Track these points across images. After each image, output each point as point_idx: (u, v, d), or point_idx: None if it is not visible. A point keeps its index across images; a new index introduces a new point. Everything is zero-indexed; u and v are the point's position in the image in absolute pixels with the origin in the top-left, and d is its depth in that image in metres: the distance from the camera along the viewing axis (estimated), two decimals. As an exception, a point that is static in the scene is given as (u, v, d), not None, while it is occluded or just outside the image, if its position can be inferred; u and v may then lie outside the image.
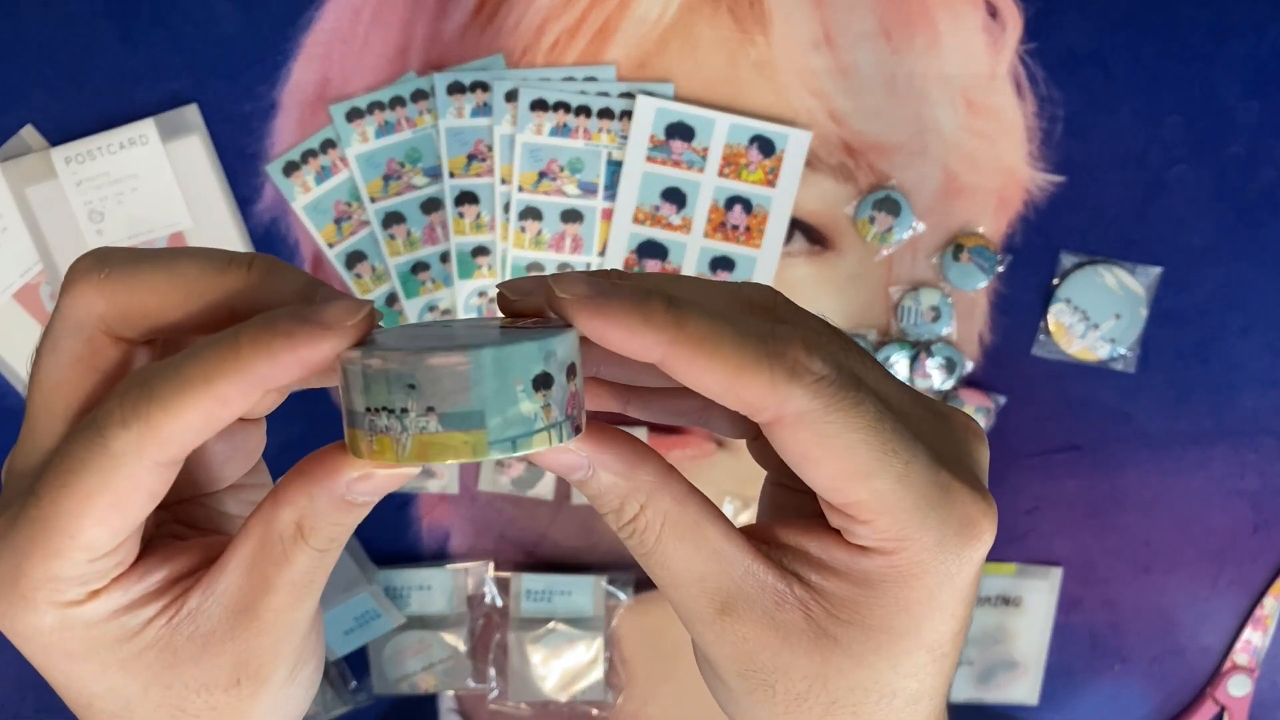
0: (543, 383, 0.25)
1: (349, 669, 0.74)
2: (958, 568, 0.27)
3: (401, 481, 0.26)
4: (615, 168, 0.71)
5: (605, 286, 0.25)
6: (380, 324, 0.27)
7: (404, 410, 0.24)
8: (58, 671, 0.27)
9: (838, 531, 0.28)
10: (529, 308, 0.27)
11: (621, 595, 0.74)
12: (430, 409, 0.24)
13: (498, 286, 0.28)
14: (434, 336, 0.26)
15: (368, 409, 0.25)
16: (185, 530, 0.30)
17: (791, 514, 0.31)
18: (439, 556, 0.75)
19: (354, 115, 0.71)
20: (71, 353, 0.27)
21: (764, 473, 0.33)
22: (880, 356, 0.72)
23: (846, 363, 0.26)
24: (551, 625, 0.73)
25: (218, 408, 0.24)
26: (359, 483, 0.26)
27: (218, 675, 0.27)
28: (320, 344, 0.24)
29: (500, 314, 0.29)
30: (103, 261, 0.27)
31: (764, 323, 0.26)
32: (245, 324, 0.24)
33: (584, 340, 0.26)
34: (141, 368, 0.25)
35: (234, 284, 0.26)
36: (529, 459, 0.26)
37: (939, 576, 0.27)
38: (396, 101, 0.71)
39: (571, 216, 0.72)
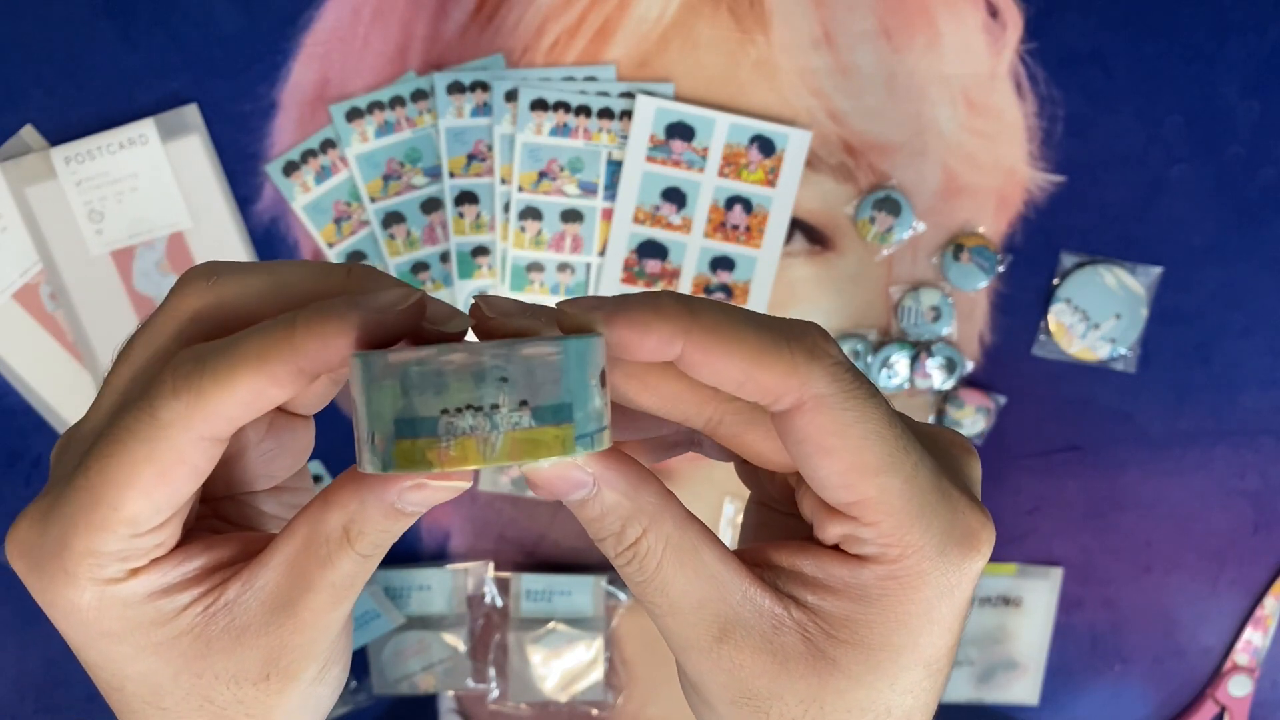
0: (604, 379, 0.25)
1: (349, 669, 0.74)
2: (957, 579, 0.27)
3: (455, 493, 0.26)
4: (615, 167, 0.71)
5: (613, 297, 0.26)
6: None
7: (494, 406, 0.23)
8: (93, 650, 0.27)
9: (834, 548, 0.27)
10: (506, 329, 0.27)
11: (621, 595, 0.74)
12: (524, 403, 0.23)
13: (474, 298, 0.27)
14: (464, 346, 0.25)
15: (444, 410, 0.23)
16: (223, 525, 0.30)
17: (778, 536, 0.31)
18: (439, 556, 0.75)
19: (354, 115, 0.71)
20: (165, 347, 0.27)
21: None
22: (880, 356, 0.72)
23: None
24: (551, 625, 0.73)
25: (268, 385, 0.24)
26: (411, 491, 0.26)
27: (248, 668, 0.27)
28: (371, 328, 0.24)
29: (474, 326, 0.28)
30: (212, 269, 0.27)
31: (773, 316, 0.26)
32: (302, 309, 0.25)
33: None
34: (197, 346, 0.26)
35: (333, 289, 0.27)
36: (529, 480, 0.25)
37: (938, 589, 0.27)
38: (396, 101, 0.71)
39: (571, 216, 0.72)
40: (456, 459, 0.23)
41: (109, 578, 0.26)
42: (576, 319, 0.25)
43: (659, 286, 0.72)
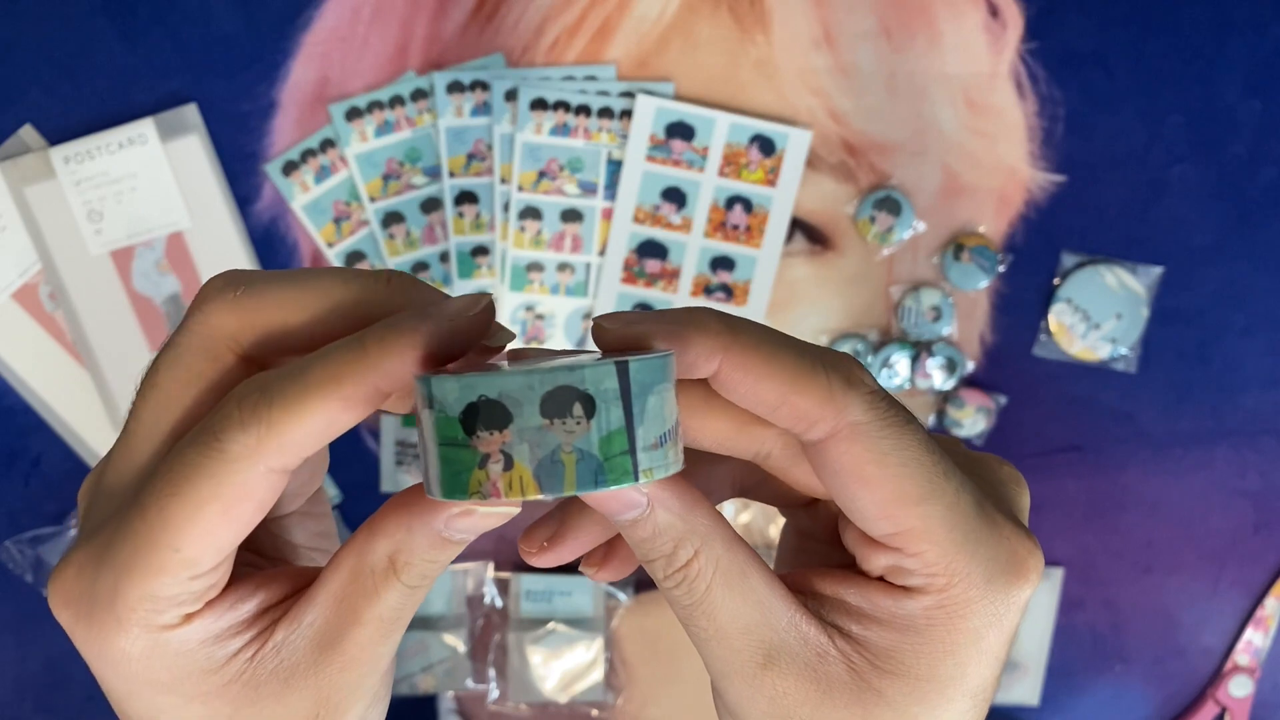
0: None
1: (348, 670, 0.74)
2: (1005, 609, 0.26)
3: (506, 519, 0.25)
4: (615, 167, 0.71)
5: (654, 311, 0.25)
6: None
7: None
8: (139, 701, 0.26)
9: (879, 579, 0.27)
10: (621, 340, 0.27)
11: (621, 596, 0.74)
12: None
13: (595, 319, 0.27)
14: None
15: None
16: (256, 559, 0.29)
17: (816, 562, 0.30)
18: (439, 557, 0.74)
19: (353, 115, 0.70)
20: (196, 370, 0.26)
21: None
22: (881, 356, 0.72)
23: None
24: (551, 626, 0.73)
25: (341, 410, 0.24)
26: (458, 519, 0.25)
27: (296, 711, 0.27)
28: (446, 337, 0.24)
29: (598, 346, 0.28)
30: (236, 281, 0.26)
31: (811, 344, 0.26)
32: (368, 328, 0.24)
33: None
34: (259, 374, 0.25)
35: (371, 298, 0.26)
36: (582, 500, 0.25)
37: (986, 617, 0.26)
38: (396, 101, 0.70)
39: (571, 216, 0.72)
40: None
41: (163, 624, 0.25)
42: (617, 334, 0.25)
43: (659, 286, 0.72)
